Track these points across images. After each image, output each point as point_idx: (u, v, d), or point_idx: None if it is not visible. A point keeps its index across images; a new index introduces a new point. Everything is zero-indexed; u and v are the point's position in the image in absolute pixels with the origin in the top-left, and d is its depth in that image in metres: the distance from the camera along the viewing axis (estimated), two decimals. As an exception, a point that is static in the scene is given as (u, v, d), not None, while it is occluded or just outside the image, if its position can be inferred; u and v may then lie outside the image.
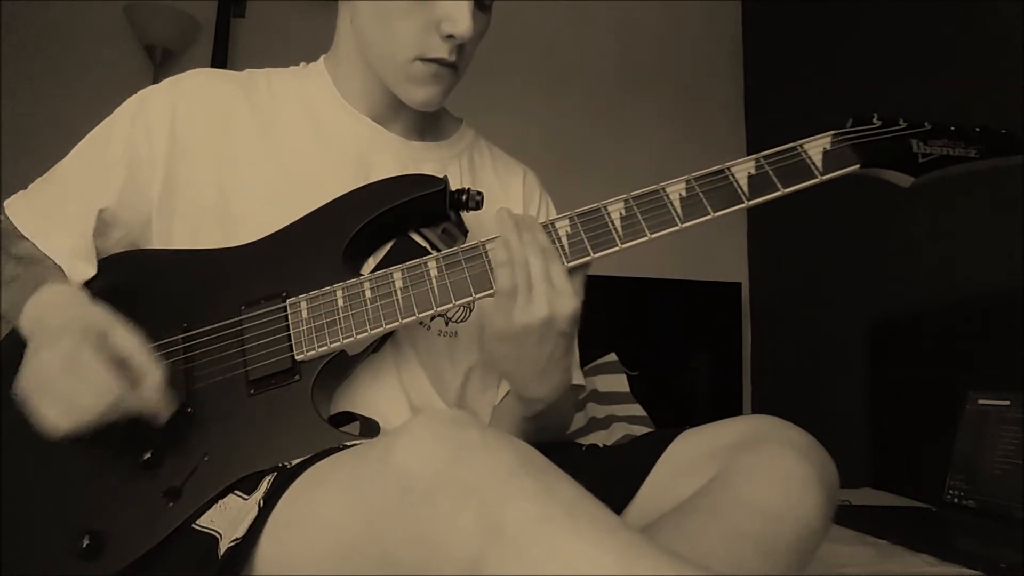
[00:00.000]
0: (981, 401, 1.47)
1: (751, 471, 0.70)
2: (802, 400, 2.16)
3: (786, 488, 0.68)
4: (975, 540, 1.26)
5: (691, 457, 0.77)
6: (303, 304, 0.80)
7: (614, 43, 2.60)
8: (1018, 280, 1.47)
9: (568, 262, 0.78)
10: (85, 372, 0.67)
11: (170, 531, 0.70)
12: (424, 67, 0.86)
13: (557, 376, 0.81)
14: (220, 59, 2.30)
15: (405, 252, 0.84)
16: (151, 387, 0.71)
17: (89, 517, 0.71)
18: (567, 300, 0.75)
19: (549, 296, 0.75)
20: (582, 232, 0.79)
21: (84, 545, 0.69)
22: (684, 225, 0.79)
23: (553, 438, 0.93)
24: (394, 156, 0.94)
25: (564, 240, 0.79)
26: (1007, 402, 1.42)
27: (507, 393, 0.94)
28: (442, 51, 0.84)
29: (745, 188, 0.80)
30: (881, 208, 1.84)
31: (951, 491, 1.45)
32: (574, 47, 2.58)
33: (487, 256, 0.79)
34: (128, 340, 0.72)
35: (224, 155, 0.89)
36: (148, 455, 0.72)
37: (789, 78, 2.41)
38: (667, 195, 0.80)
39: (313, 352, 0.78)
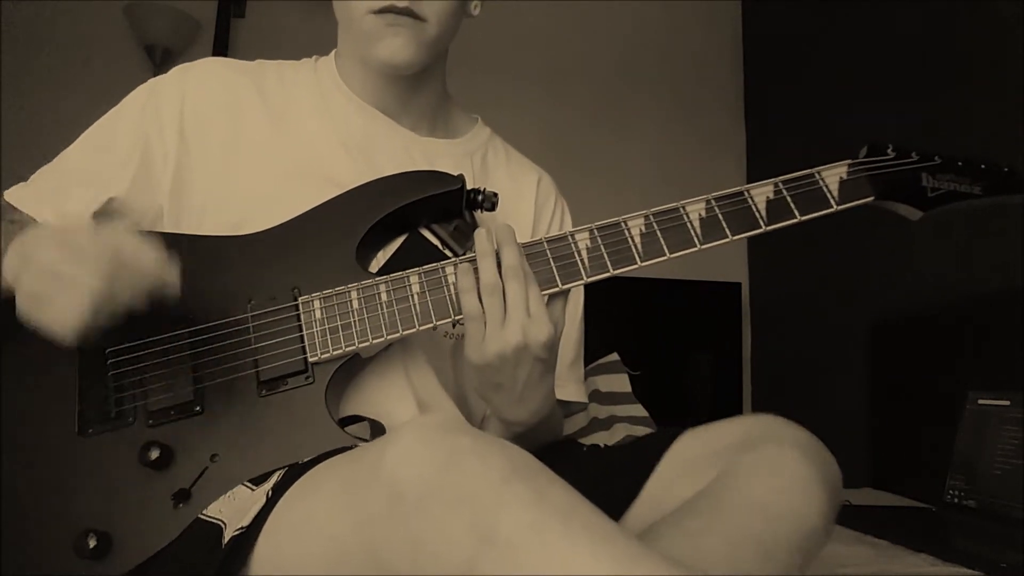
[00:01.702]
0: (981, 401, 1.47)
1: (753, 471, 0.69)
2: (802, 400, 2.16)
3: (788, 488, 0.67)
4: (975, 540, 1.26)
5: (693, 457, 0.77)
6: (317, 303, 0.79)
7: (614, 43, 2.60)
8: (1018, 280, 1.47)
9: (561, 286, 0.78)
10: (83, 251, 0.64)
11: (178, 533, 0.70)
12: (377, 19, 0.85)
13: (536, 401, 0.80)
14: (220, 59, 2.30)
15: (417, 250, 0.83)
16: (150, 255, 0.67)
17: (95, 517, 0.71)
18: (542, 327, 0.74)
19: (523, 323, 0.74)
20: (602, 247, 0.79)
21: (91, 546, 0.68)
22: (703, 247, 0.80)
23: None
24: (405, 151, 0.94)
25: (584, 254, 0.79)
26: (1007, 402, 1.42)
27: (486, 415, 0.94)
28: None
29: (763, 213, 0.81)
30: (881, 208, 1.83)
31: (951, 491, 1.45)
32: (574, 47, 2.58)
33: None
34: (117, 228, 0.68)
35: (233, 144, 0.89)
36: (155, 455, 0.72)
37: (789, 78, 2.41)
38: (687, 214, 0.80)
39: (327, 355, 0.77)
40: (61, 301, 0.64)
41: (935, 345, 1.74)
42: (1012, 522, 1.29)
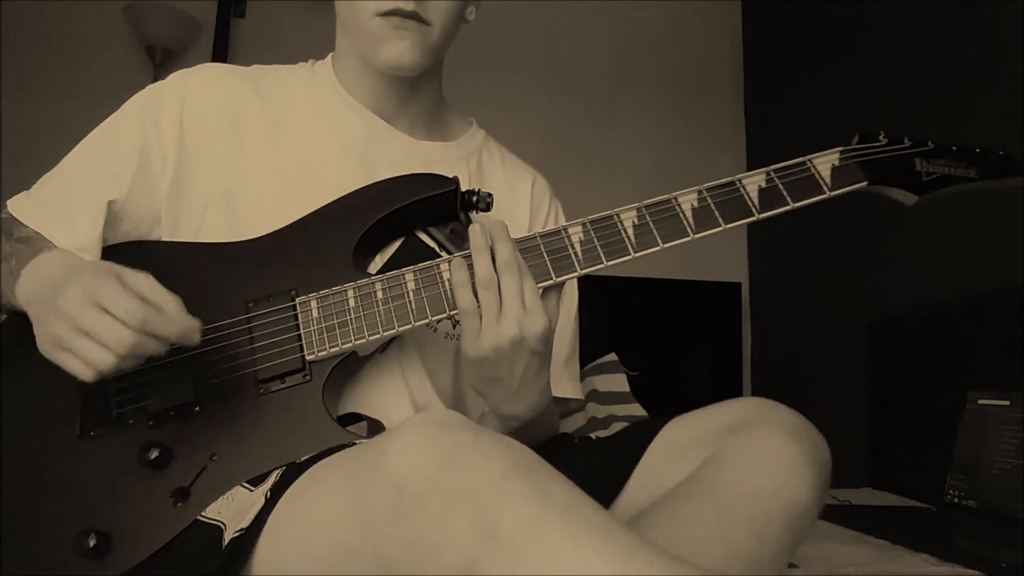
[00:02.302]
0: (981, 401, 1.47)
1: (741, 453, 0.70)
2: (802, 400, 2.15)
3: (776, 469, 0.68)
4: (975, 540, 1.26)
5: (682, 442, 0.78)
6: (313, 303, 0.79)
7: (614, 43, 2.60)
8: (1018, 280, 1.47)
9: (555, 279, 0.78)
10: (109, 302, 0.66)
11: (178, 532, 0.70)
12: (383, 22, 0.86)
13: (533, 396, 0.80)
14: (220, 59, 2.30)
15: (413, 252, 0.84)
16: (174, 309, 0.69)
17: (95, 516, 0.71)
18: (537, 320, 0.75)
19: (519, 316, 0.74)
20: (595, 239, 0.79)
21: (91, 545, 0.69)
22: (696, 236, 0.80)
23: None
24: (402, 154, 0.94)
25: (577, 247, 0.79)
26: (1007, 402, 1.42)
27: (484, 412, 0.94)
28: (397, 1, 0.84)
29: (756, 201, 0.81)
30: (881, 208, 1.84)
31: (951, 491, 1.45)
32: (575, 47, 2.58)
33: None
34: (140, 277, 0.70)
35: (232, 149, 0.89)
36: (155, 454, 0.72)
37: (789, 78, 2.41)
38: (679, 205, 0.81)
39: (324, 352, 0.78)
40: (86, 355, 0.66)
41: (935, 345, 1.74)
42: (1012, 522, 1.29)
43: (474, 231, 0.77)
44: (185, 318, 0.69)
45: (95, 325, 0.65)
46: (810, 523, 0.69)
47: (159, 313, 0.67)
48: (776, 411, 0.74)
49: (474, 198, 0.86)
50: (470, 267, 0.77)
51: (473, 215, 0.88)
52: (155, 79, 2.21)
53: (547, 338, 0.76)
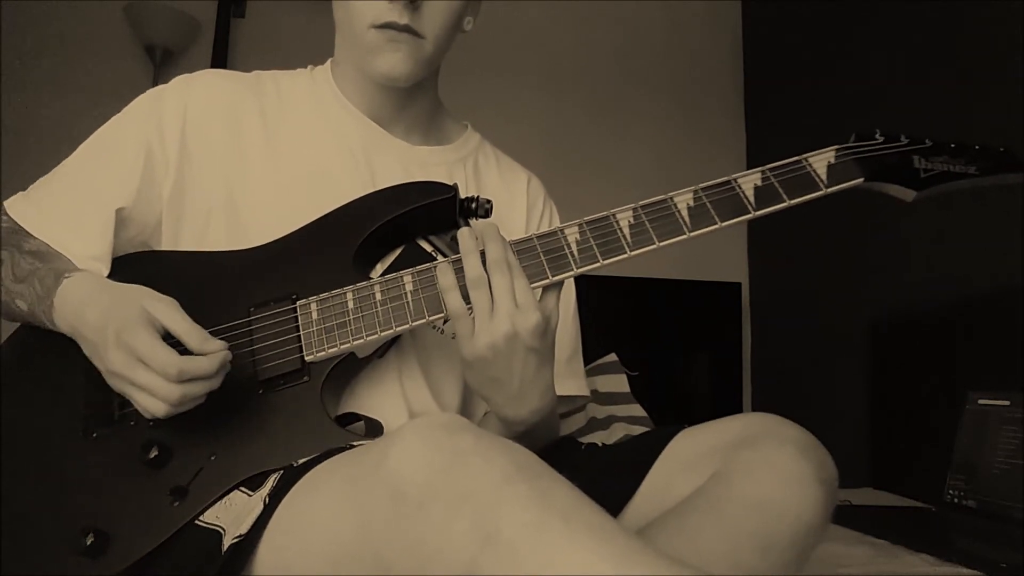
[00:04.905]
0: (981, 401, 1.47)
1: (750, 469, 0.70)
2: (802, 400, 2.16)
3: (784, 485, 0.68)
4: (975, 540, 1.26)
5: (690, 455, 0.77)
6: (313, 305, 0.80)
7: (614, 43, 2.60)
8: (1018, 280, 1.47)
9: (551, 278, 0.78)
10: (148, 357, 0.69)
11: (175, 531, 0.70)
12: (378, 34, 0.86)
13: (535, 400, 0.80)
14: (220, 59, 2.30)
15: (413, 259, 0.84)
16: (196, 340, 0.71)
17: (93, 515, 0.72)
18: (529, 315, 0.74)
19: (511, 312, 0.74)
20: (591, 239, 0.80)
21: (88, 543, 0.69)
22: (692, 234, 0.80)
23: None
24: (399, 160, 0.95)
25: (574, 247, 0.79)
26: (1007, 402, 1.42)
27: (486, 413, 0.94)
28: (392, 14, 0.84)
29: (752, 199, 0.81)
30: (881, 208, 1.83)
31: (951, 491, 1.45)
32: (574, 47, 2.58)
33: None
34: (163, 309, 0.73)
35: (233, 157, 0.89)
36: (154, 453, 0.73)
37: (789, 78, 2.41)
38: (675, 204, 0.81)
39: (323, 353, 0.78)
40: (144, 406, 0.71)
41: (935, 345, 1.74)
42: (1012, 522, 1.29)
43: (462, 234, 0.78)
44: (210, 346, 0.71)
45: (145, 382, 0.69)
46: (816, 541, 0.69)
47: (193, 360, 0.69)
48: (784, 427, 0.74)
49: (473, 204, 0.86)
50: (459, 271, 0.77)
51: (472, 222, 0.88)
52: (155, 79, 2.21)
53: (542, 333, 0.76)
